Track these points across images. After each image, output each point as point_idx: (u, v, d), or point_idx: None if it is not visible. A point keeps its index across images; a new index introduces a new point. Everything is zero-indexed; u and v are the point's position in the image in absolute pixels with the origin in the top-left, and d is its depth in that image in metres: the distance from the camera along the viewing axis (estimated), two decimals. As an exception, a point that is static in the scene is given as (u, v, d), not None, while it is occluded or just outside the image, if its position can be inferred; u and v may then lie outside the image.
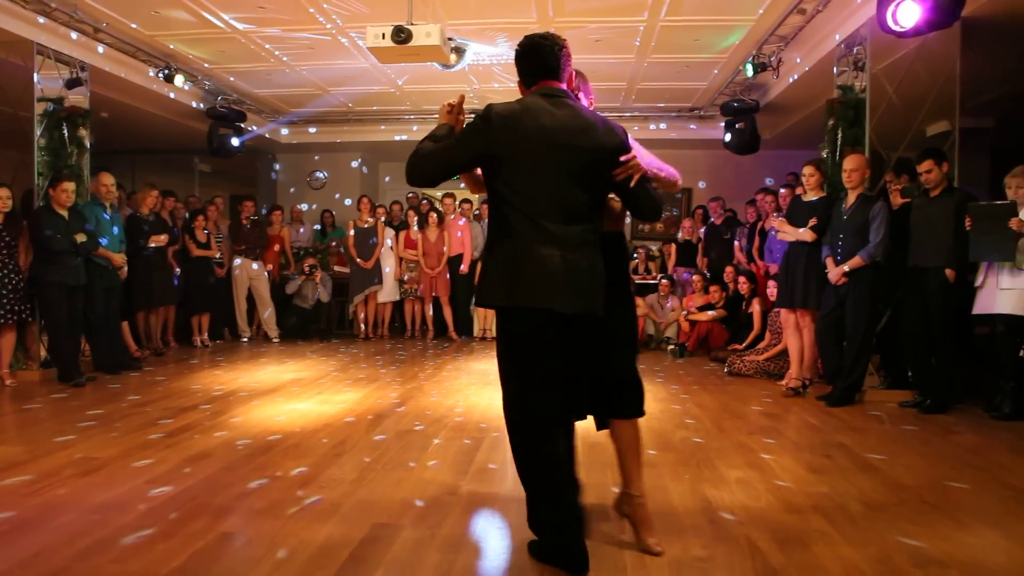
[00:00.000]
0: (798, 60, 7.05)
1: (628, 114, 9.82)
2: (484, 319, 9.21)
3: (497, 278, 2.30)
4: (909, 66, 5.36)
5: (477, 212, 10.08)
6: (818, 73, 6.69)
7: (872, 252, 5.04)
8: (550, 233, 2.26)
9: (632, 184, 2.36)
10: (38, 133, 6.20)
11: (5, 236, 5.71)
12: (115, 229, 6.52)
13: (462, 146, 2.34)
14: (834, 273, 5.21)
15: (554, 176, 2.28)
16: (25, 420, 4.67)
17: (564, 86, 2.44)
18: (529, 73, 2.43)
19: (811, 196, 5.59)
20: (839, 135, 5.71)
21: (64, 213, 5.92)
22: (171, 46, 7.11)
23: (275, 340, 8.78)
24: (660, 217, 2.56)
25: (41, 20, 6.01)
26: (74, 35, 6.40)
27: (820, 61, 6.53)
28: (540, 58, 2.40)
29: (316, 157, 11.57)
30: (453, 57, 6.42)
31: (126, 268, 6.67)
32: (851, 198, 5.23)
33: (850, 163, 5.20)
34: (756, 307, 7.21)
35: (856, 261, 5.08)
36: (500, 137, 2.28)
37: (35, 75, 6.15)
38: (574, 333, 2.43)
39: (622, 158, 2.36)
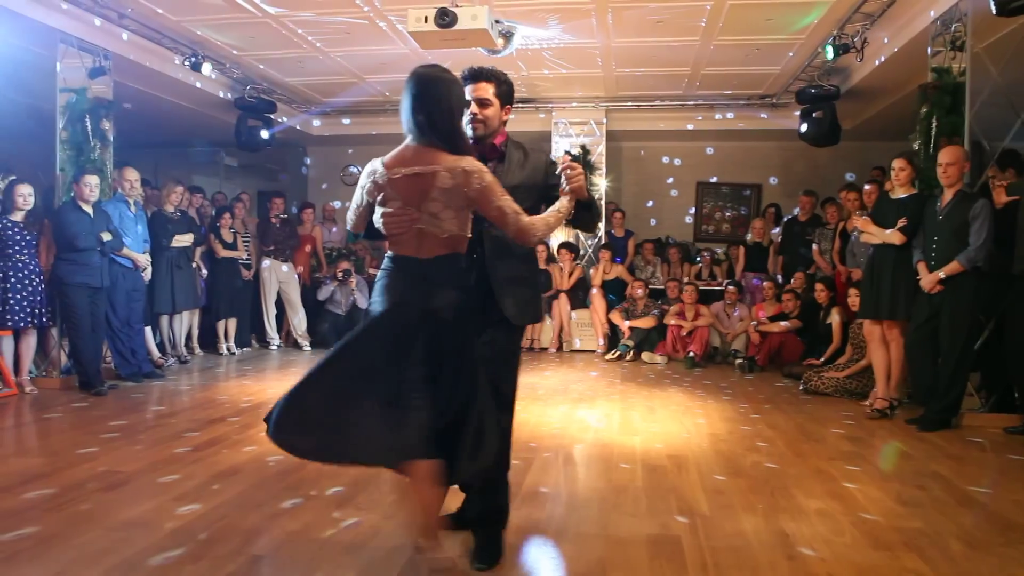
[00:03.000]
0: (886, 40, 6.90)
1: (691, 102, 9.74)
2: (532, 329, 9.21)
3: None
4: (1018, 44, 5.20)
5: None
6: (909, 54, 6.54)
7: (973, 256, 4.89)
8: None
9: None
10: (60, 126, 6.43)
11: (26, 235, 5.94)
12: (139, 227, 6.72)
13: None
14: (928, 280, 5.08)
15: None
16: (46, 430, 4.85)
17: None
18: None
19: (900, 193, 5.45)
20: (933, 124, 5.56)
21: (88, 210, 6.12)
22: (199, 32, 7.30)
23: (306, 348, 8.92)
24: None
25: (64, 6, 6.24)
26: (97, 21, 6.62)
27: (911, 40, 6.38)
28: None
29: (350, 151, 11.74)
30: (500, 41, 6.45)
31: (150, 269, 6.87)
32: (947, 195, 5.09)
33: (946, 156, 5.06)
34: (836, 317, 7.06)
35: (954, 266, 4.95)
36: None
37: (57, 64, 6.39)
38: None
39: None
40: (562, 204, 2.66)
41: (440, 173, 2.43)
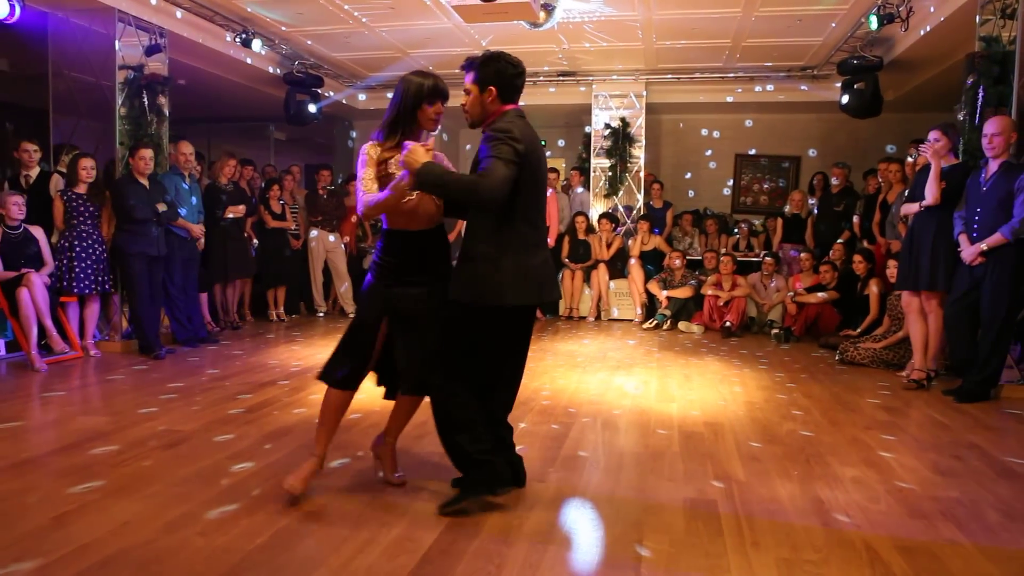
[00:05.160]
0: (932, 9, 6.64)
1: (731, 75, 9.52)
2: (571, 298, 9.20)
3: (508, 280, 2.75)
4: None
5: (565, 182, 10.04)
6: (956, 23, 6.29)
7: (1017, 228, 4.72)
8: (539, 237, 2.86)
9: None
10: (119, 102, 6.54)
11: (89, 206, 6.08)
12: (193, 199, 6.82)
13: (516, 169, 2.68)
14: (969, 252, 4.93)
15: (540, 187, 2.86)
16: (109, 391, 4.99)
17: None
18: (513, 91, 2.84)
19: (941, 164, 5.28)
20: (980, 94, 5.36)
21: (145, 182, 6.23)
22: (249, 9, 7.32)
23: (351, 315, 9.00)
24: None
25: (122, -15, 6.31)
26: (154, 0, 6.68)
27: (959, 9, 6.13)
28: (521, 82, 2.85)
29: (394, 124, 11.71)
30: (542, 15, 6.36)
31: (203, 239, 6.99)
32: (992, 166, 4.92)
33: (993, 126, 4.88)
34: (874, 288, 6.91)
35: (996, 238, 4.79)
36: (530, 156, 2.73)
37: (116, 43, 6.48)
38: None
39: None
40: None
41: None
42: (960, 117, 5.54)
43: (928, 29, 6.83)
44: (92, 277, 6.05)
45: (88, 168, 6.05)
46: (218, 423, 4.05)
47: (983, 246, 4.85)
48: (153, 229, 6.26)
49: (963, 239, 5.02)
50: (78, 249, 5.99)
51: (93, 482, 3.07)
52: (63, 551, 2.43)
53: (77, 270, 5.96)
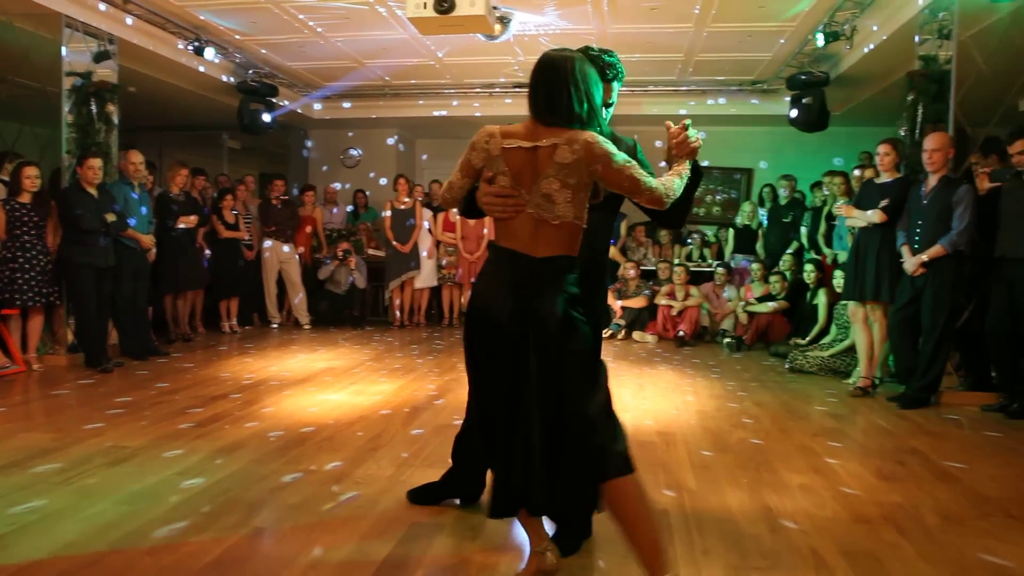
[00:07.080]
0: (875, 28, 6.86)
1: (684, 88, 9.69)
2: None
3: None
4: (1003, 33, 5.19)
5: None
6: (897, 42, 6.50)
7: (955, 240, 4.90)
8: None
9: None
10: (66, 109, 6.39)
11: (34, 216, 5.92)
12: (143, 209, 6.68)
13: None
14: (911, 263, 5.09)
15: None
16: (54, 406, 4.86)
17: None
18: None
19: (885, 177, 5.46)
20: (919, 111, 5.55)
21: (93, 191, 6.10)
22: (201, 16, 7.23)
23: (306, 326, 8.93)
24: None
25: (69, -9, 6.18)
26: (103, 6, 6.55)
27: (900, 29, 6.34)
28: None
29: (350, 134, 11.68)
30: (497, 27, 6.41)
31: (154, 250, 6.85)
32: (932, 181, 5.09)
33: (932, 142, 5.06)
34: (822, 299, 7.08)
35: (936, 250, 4.96)
36: None
37: (63, 48, 6.33)
38: None
39: None
40: (682, 168, 2.39)
41: (560, 147, 2.16)
42: (901, 132, 5.72)
43: (871, 47, 7.05)
44: (36, 288, 5.88)
45: (32, 177, 5.89)
46: (167, 438, 3.97)
47: (924, 257, 5.02)
48: (101, 240, 6.11)
49: (906, 251, 5.18)
50: (21, 260, 5.82)
51: (34, 502, 2.98)
52: (2, 574, 2.36)
53: (20, 282, 5.79)
